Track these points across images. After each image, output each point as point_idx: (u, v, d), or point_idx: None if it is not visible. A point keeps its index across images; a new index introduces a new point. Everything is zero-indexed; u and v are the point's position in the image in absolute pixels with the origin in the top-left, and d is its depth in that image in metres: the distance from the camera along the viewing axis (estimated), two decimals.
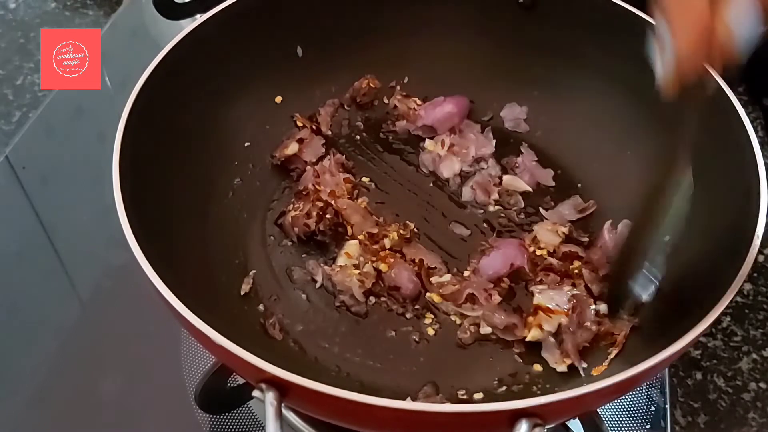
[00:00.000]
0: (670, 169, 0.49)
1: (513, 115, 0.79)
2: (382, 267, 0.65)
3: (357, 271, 0.65)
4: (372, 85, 0.78)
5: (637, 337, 0.59)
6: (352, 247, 0.67)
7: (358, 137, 0.79)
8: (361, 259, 0.66)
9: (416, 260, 0.66)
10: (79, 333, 0.74)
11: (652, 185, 0.52)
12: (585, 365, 0.58)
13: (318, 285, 0.66)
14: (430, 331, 0.63)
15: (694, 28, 0.36)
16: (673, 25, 0.36)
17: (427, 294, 0.65)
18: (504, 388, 0.59)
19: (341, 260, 0.66)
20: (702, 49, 0.36)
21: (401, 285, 0.64)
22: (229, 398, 0.67)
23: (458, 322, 0.64)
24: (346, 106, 0.79)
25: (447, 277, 0.66)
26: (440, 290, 0.65)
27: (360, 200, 0.71)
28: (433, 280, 0.66)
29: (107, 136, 0.58)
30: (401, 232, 0.68)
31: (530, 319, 0.61)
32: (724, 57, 0.36)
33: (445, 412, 0.44)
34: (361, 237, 0.68)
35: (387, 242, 0.67)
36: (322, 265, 0.67)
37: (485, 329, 0.62)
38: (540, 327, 0.60)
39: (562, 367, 0.59)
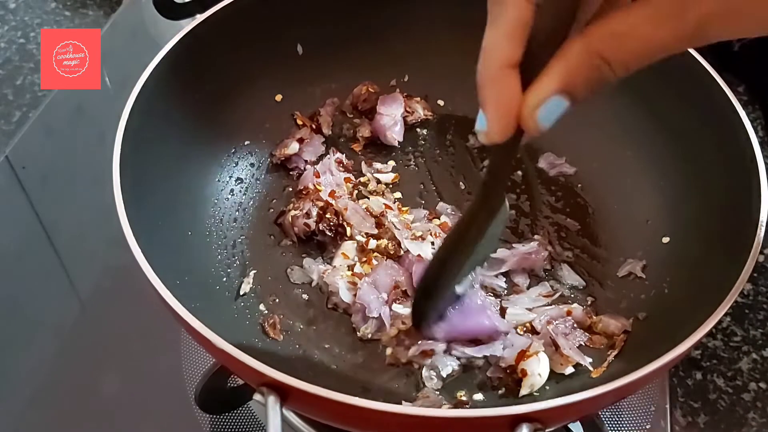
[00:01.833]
0: (487, 200, 0.49)
1: None
2: (365, 269, 0.65)
3: (350, 273, 0.65)
4: (372, 90, 0.78)
5: (636, 338, 0.59)
6: (348, 247, 0.67)
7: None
8: (356, 260, 0.66)
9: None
10: (78, 333, 0.74)
11: (468, 211, 0.52)
12: (590, 360, 0.58)
13: (313, 284, 0.66)
14: None
15: (502, 113, 0.38)
16: (485, 105, 0.39)
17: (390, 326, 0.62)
18: (504, 389, 0.59)
19: (337, 261, 0.66)
20: (507, 129, 0.39)
21: (367, 306, 0.62)
22: (229, 398, 0.67)
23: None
24: (348, 114, 0.79)
25: (406, 311, 0.62)
26: (400, 325, 0.62)
27: (361, 201, 0.71)
28: (396, 308, 0.62)
29: (107, 136, 0.58)
30: (389, 246, 0.66)
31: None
32: (528, 133, 0.39)
33: (444, 417, 0.44)
34: (359, 237, 0.68)
35: (372, 243, 0.67)
36: (318, 264, 0.67)
37: None
38: (526, 372, 0.57)
39: (568, 369, 0.59)
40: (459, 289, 0.58)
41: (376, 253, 0.66)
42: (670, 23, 0.34)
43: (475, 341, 0.61)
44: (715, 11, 0.33)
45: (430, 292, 0.56)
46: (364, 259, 0.66)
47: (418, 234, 0.67)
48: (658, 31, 0.34)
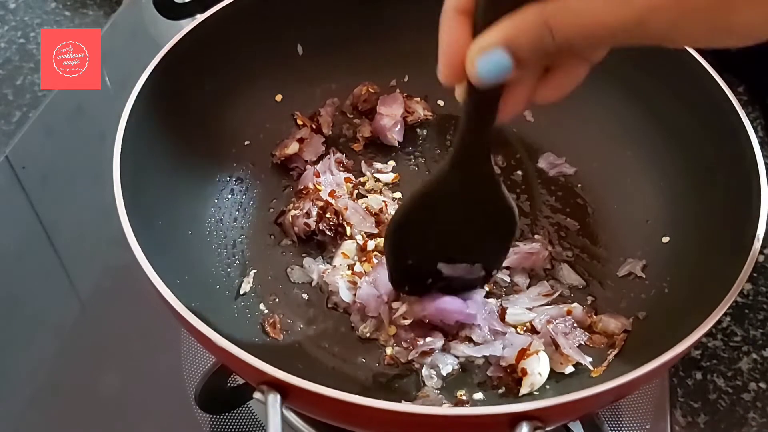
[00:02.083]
0: (456, 165, 0.50)
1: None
2: (365, 267, 0.65)
3: (350, 272, 0.65)
4: (372, 91, 0.78)
5: (636, 337, 0.59)
6: (348, 247, 0.67)
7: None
8: (356, 259, 0.66)
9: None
10: (78, 332, 0.74)
11: (435, 172, 0.53)
12: (590, 359, 0.58)
13: (313, 284, 0.66)
14: None
15: (447, 58, 0.41)
16: (439, 46, 0.41)
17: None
18: (504, 388, 0.59)
19: (337, 260, 0.66)
20: (453, 71, 0.41)
21: (366, 305, 0.62)
22: (229, 398, 0.67)
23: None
24: (348, 114, 0.79)
25: (404, 309, 0.62)
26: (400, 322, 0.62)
27: (361, 201, 0.71)
28: (395, 306, 0.62)
29: (107, 136, 0.58)
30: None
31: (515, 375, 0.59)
32: (471, 80, 0.40)
33: (444, 415, 0.44)
34: (359, 237, 0.68)
35: (371, 244, 0.67)
36: (317, 264, 0.67)
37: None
38: (526, 372, 0.57)
39: (568, 369, 0.59)
40: (445, 269, 0.59)
41: (376, 252, 0.66)
42: (618, 8, 0.34)
43: (475, 342, 0.61)
44: (659, 5, 0.34)
45: (396, 249, 0.58)
46: (364, 258, 0.66)
47: None
48: (606, 15, 0.35)
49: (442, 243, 0.57)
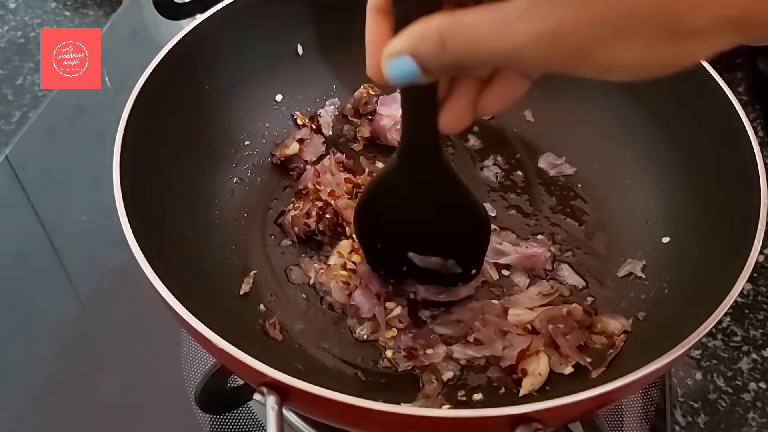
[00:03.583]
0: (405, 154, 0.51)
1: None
2: (355, 258, 0.65)
3: (344, 272, 0.65)
4: (372, 92, 0.78)
5: (636, 338, 0.59)
6: (345, 246, 0.67)
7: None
8: (349, 257, 0.66)
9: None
10: (79, 333, 0.74)
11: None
12: (590, 360, 0.58)
13: (310, 283, 0.66)
14: None
15: (370, 55, 0.43)
16: (365, 46, 0.43)
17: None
18: (503, 389, 0.59)
19: (332, 259, 0.66)
20: (373, 67, 0.42)
21: (360, 306, 0.63)
22: (229, 398, 0.67)
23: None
24: (350, 117, 0.79)
25: (398, 310, 0.63)
26: (397, 324, 0.62)
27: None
28: (389, 306, 0.63)
29: (107, 136, 0.58)
30: None
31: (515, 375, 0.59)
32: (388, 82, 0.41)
33: (444, 417, 0.44)
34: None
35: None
36: (314, 263, 0.67)
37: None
38: (526, 372, 0.58)
39: (568, 369, 0.59)
40: (416, 260, 0.60)
41: None
42: (499, 36, 0.35)
43: (476, 342, 0.61)
44: (535, 39, 0.34)
45: (362, 231, 0.60)
46: (352, 252, 0.66)
47: None
48: (488, 40, 0.35)
49: (407, 233, 0.59)
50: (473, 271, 0.62)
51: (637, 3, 0.32)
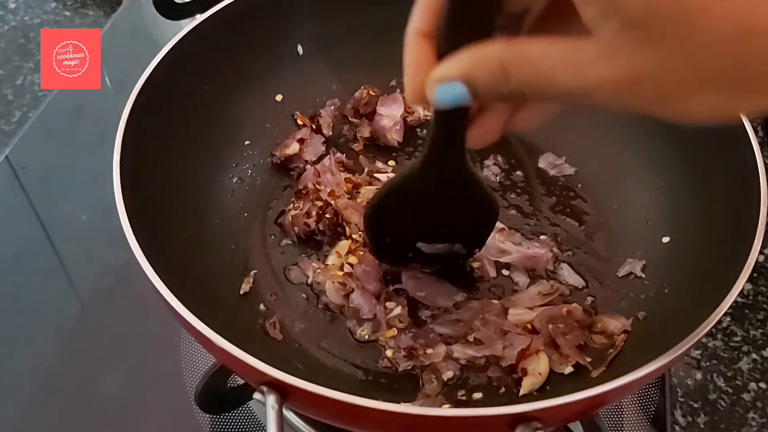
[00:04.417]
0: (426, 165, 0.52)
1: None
2: (352, 259, 0.65)
3: (341, 273, 0.65)
4: (372, 93, 0.78)
5: (636, 338, 0.59)
6: (344, 246, 0.67)
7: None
8: (347, 259, 0.66)
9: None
10: (79, 333, 0.74)
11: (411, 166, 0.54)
12: (590, 359, 0.58)
13: (308, 282, 0.66)
14: None
15: (411, 80, 0.41)
16: (404, 71, 0.42)
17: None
18: (503, 389, 0.59)
19: (331, 259, 0.66)
20: (415, 92, 0.41)
21: (360, 308, 0.63)
22: (229, 398, 0.67)
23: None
24: (350, 118, 0.79)
25: (398, 310, 0.63)
26: (397, 324, 0.62)
27: (359, 199, 0.71)
28: (389, 306, 0.63)
29: (107, 136, 0.58)
30: None
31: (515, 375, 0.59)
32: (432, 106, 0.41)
33: (444, 416, 0.44)
34: (356, 236, 0.68)
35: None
36: (312, 263, 0.67)
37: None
38: (526, 372, 0.58)
39: (568, 369, 0.59)
40: (425, 248, 0.60)
41: (362, 246, 0.66)
42: (570, 76, 0.34)
43: (476, 341, 0.61)
44: (609, 82, 0.33)
45: (373, 230, 0.60)
46: (349, 252, 0.66)
47: None
48: (558, 77, 0.34)
49: (420, 228, 0.59)
50: (476, 250, 0.63)
51: (725, 60, 0.31)
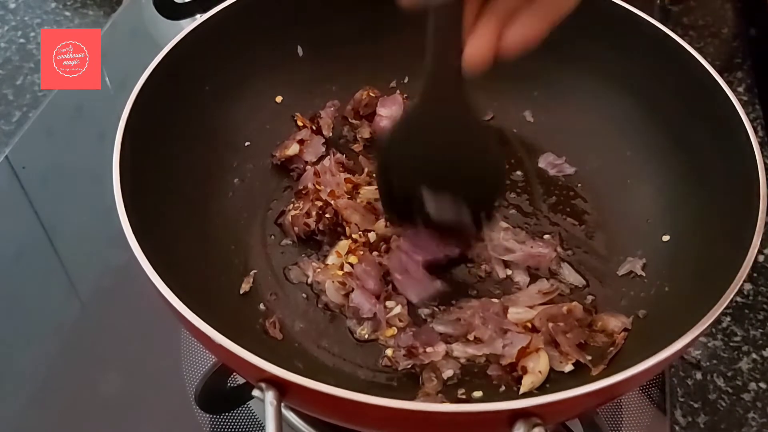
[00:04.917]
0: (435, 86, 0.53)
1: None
2: (352, 259, 0.65)
3: (341, 272, 0.65)
4: (372, 95, 0.78)
5: (636, 336, 0.59)
6: (343, 245, 0.67)
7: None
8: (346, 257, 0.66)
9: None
10: (79, 333, 0.74)
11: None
12: (590, 357, 0.58)
13: (308, 282, 0.66)
14: None
15: None
16: None
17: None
18: (504, 387, 0.59)
19: (331, 259, 0.66)
20: None
21: (360, 307, 0.63)
22: (229, 398, 0.67)
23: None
24: (350, 119, 0.79)
25: (398, 309, 0.63)
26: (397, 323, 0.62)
27: (359, 198, 0.71)
28: (389, 305, 0.63)
29: (107, 136, 0.58)
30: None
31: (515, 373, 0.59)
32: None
33: (444, 412, 0.44)
34: (355, 236, 0.68)
35: (372, 236, 0.67)
36: (312, 262, 0.67)
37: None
38: (526, 370, 0.58)
39: (568, 367, 0.59)
40: (429, 199, 0.59)
41: (362, 247, 0.67)
42: None
43: (476, 340, 0.61)
44: None
45: (382, 168, 0.62)
46: (349, 252, 0.66)
47: None
48: None
49: (425, 168, 0.59)
50: (482, 218, 0.63)
51: None
